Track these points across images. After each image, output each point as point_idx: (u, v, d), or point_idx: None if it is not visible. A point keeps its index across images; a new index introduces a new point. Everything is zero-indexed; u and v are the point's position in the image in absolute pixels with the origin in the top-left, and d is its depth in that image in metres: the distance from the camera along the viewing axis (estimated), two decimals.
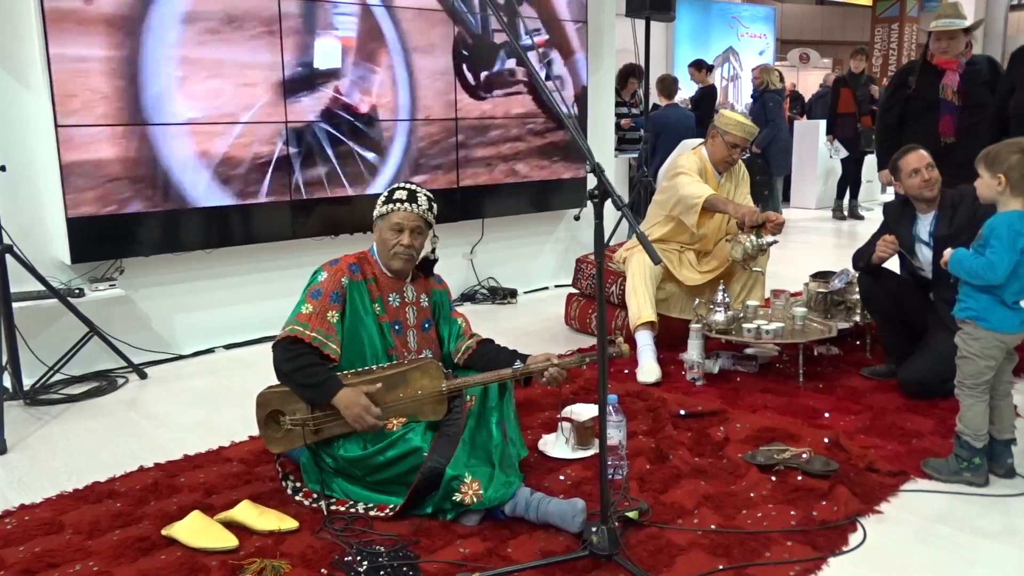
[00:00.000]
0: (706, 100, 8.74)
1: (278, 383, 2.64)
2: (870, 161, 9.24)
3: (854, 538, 2.41)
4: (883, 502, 2.62)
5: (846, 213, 9.54)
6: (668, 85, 7.82)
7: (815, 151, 10.30)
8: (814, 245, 7.88)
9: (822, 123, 9.93)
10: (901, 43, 13.34)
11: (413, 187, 2.76)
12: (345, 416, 2.53)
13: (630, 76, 7.69)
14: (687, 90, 9.87)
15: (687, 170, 4.02)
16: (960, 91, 4.18)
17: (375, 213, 2.77)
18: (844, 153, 9.15)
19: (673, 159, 4.39)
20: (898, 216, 3.58)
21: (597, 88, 6.11)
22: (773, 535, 2.40)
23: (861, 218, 9.46)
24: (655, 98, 7.68)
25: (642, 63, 6.60)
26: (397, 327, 2.76)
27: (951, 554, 2.34)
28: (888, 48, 13.61)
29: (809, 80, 15.72)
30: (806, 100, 12.68)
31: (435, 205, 2.80)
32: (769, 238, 3.87)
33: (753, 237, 3.84)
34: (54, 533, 2.48)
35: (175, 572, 2.24)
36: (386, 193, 2.76)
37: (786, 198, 10.68)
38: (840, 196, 9.63)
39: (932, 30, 4.22)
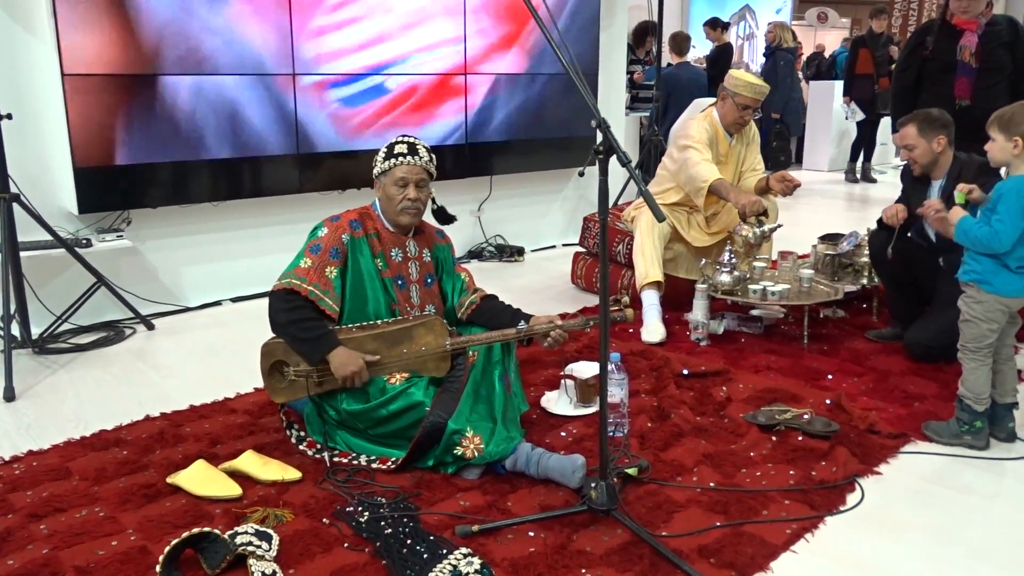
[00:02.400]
0: (722, 59, 8.62)
1: None
2: (886, 123, 9.13)
3: (852, 498, 2.42)
4: (882, 463, 2.63)
5: (858, 176, 9.46)
6: (680, 43, 7.69)
7: (829, 113, 10.17)
8: (824, 207, 7.83)
9: (838, 84, 9.79)
10: (922, 3, 13.08)
11: (412, 139, 2.73)
12: (336, 374, 2.54)
13: (647, 35, 7.57)
14: (702, 48, 9.73)
15: (696, 143, 3.94)
16: (978, 53, 4.09)
17: (376, 169, 2.74)
18: (860, 115, 9.03)
19: (684, 120, 4.32)
20: (914, 181, 3.55)
21: (608, 44, 6.03)
22: (771, 494, 2.42)
23: (874, 181, 9.37)
24: (667, 56, 7.57)
25: (655, 20, 6.50)
26: (400, 282, 2.76)
27: (948, 515, 2.36)
28: (908, 8, 13.34)
29: (827, 40, 15.44)
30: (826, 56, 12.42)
31: (434, 156, 2.78)
32: (770, 224, 3.84)
33: (756, 228, 3.80)
34: (61, 479, 2.52)
35: (179, 519, 2.27)
36: (385, 148, 2.73)
37: (799, 159, 10.59)
38: (853, 159, 9.53)
39: None
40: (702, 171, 3.87)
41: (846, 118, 9.41)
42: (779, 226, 3.93)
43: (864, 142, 9.38)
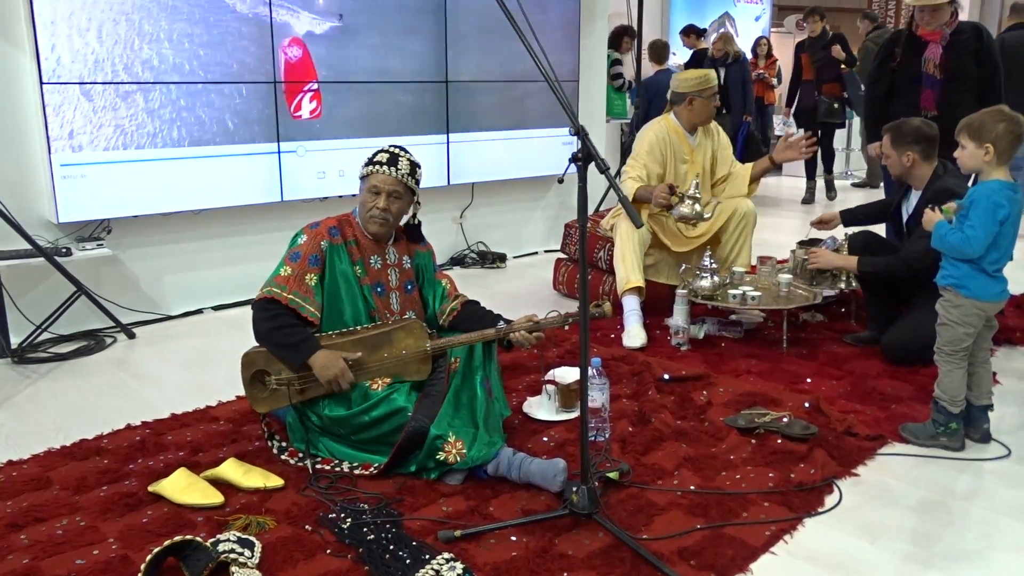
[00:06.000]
0: (698, 63, 8.64)
1: None
2: (848, 130, 8.72)
3: (830, 499, 2.45)
4: (860, 465, 2.66)
5: (814, 195, 8.41)
6: (659, 51, 7.75)
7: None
8: (801, 212, 7.89)
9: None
10: (899, 8, 13.22)
11: (396, 151, 2.74)
12: (319, 377, 2.55)
13: (624, 35, 7.63)
14: (683, 55, 9.77)
15: (634, 161, 4.13)
16: (942, 64, 4.10)
17: (359, 173, 2.76)
18: (794, 129, 8.36)
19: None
20: (898, 186, 3.67)
21: (589, 53, 6.06)
22: (751, 496, 2.45)
23: (833, 197, 8.48)
24: (647, 63, 7.61)
25: (634, 26, 6.55)
26: (379, 289, 2.77)
27: (924, 516, 2.39)
28: (886, 14, 13.48)
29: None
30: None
31: (420, 171, 2.78)
32: (708, 206, 3.93)
33: (692, 205, 3.86)
34: (41, 488, 2.50)
35: (161, 528, 2.27)
36: (369, 155, 2.75)
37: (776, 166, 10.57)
38: (809, 176, 8.41)
39: (913, 4, 4.13)
40: (625, 190, 3.97)
41: (777, 130, 9.04)
42: (718, 203, 4.10)
43: (821, 154, 8.29)
